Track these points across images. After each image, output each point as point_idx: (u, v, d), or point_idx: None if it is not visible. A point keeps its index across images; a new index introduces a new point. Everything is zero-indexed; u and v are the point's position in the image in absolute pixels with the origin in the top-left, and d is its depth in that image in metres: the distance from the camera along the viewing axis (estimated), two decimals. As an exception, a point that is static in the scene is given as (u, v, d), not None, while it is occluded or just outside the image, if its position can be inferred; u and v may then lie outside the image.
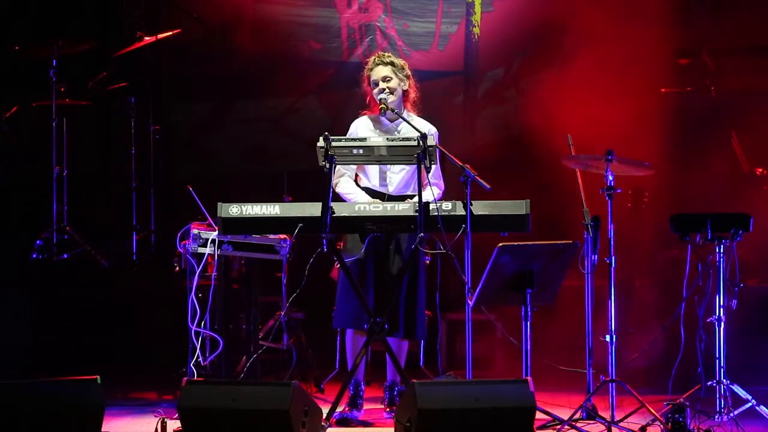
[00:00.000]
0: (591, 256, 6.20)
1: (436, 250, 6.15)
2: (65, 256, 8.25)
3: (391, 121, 6.63)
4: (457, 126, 9.29)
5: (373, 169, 6.61)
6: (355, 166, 6.61)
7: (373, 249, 6.46)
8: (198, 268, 6.72)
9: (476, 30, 9.37)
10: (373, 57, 6.69)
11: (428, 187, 6.18)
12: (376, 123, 6.66)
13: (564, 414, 6.14)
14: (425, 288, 6.60)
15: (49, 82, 8.43)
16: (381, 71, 6.60)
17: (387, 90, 6.55)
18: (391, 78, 6.59)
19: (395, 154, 6.15)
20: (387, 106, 6.47)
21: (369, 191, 6.59)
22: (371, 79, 6.61)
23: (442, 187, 6.54)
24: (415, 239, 6.05)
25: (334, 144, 6.06)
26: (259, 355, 6.92)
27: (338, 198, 6.53)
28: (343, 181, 6.60)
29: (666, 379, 6.52)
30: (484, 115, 9.41)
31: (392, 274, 6.47)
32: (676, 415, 5.80)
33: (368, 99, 6.68)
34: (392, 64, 6.62)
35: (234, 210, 6.13)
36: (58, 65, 8.44)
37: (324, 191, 6.03)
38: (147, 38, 8.69)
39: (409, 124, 6.40)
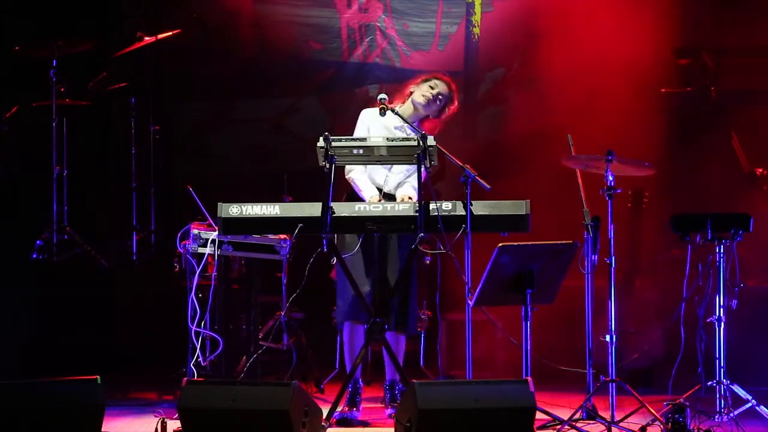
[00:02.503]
0: (591, 256, 6.20)
1: (436, 250, 6.16)
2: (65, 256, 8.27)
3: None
4: (457, 126, 9.28)
5: (374, 168, 6.61)
6: None
7: (369, 246, 6.45)
8: (198, 268, 6.72)
9: (476, 30, 9.36)
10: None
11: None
12: (393, 118, 6.64)
13: (564, 414, 6.14)
14: (418, 285, 6.58)
15: (49, 82, 8.43)
16: (445, 89, 6.64)
17: (433, 97, 6.58)
18: (442, 100, 6.61)
19: (395, 154, 6.16)
20: (387, 107, 6.47)
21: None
22: (435, 81, 6.63)
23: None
24: (415, 239, 6.05)
25: (334, 144, 6.06)
26: (259, 355, 6.92)
27: (340, 197, 6.53)
28: (358, 169, 6.59)
29: (666, 379, 6.52)
30: (484, 115, 9.41)
31: (390, 272, 6.47)
32: (676, 415, 5.80)
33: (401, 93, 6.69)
34: (451, 100, 6.66)
35: (234, 210, 6.13)
36: (58, 65, 8.44)
37: (324, 191, 6.03)
38: (147, 38, 8.68)
39: (407, 122, 6.40)
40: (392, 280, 6.42)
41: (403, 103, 6.64)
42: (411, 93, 6.65)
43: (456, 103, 6.71)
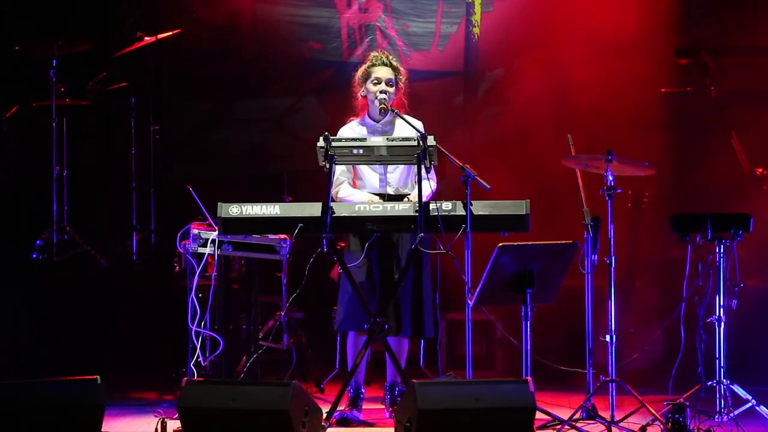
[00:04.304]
0: (591, 256, 6.20)
1: (436, 250, 6.16)
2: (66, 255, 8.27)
3: (377, 122, 6.60)
4: (457, 126, 9.29)
5: (370, 174, 6.60)
6: (351, 174, 6.60)
7: (375, 252, 6.44)
8: (198, 268, 6.72)
9: (476, 30, 9.37)
10: (377, 54, 6.64)
11: (426, 180, 6.17)
12: (363, 127, 6.63)
13: (564, 414, 6.14)
14: (430, 286, 6.59)
15: (49, 82, 8.43)
16: (386, 72, 6.56)
17: (388, 92, 6.52)
18: (393, 82, 6.57)
19: (395, 154, 6.16)
20: (387, 107, 6.47)
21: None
22: (374, 75, 6.55)
23: (436, 181, 6.48)
24: (416, 239, 6.04)
25: (334, 144, 6.06)
26: (259, 355, 6.92)
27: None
28: (343, 188, 6.59)
29: (666, 379, 6.53)
30: (484, 115, 9.41)
31: (394, 275, 6.46)
32: (676, 415, 5.80)
33: (358, 102, 6.64)
34: (397, 69, 6.60)
35: (234, 210, 6.13)
36: (58, 65, 8.44)
37: (324, 191, 6.03)
38: (147, 38, 8.69)
39: (408, 123, 6.39)
40: (397, 283, 6.40)
41: (369, 108, 6.60)
42: (365, 96, 6.59)
43: (401, 68, 6.64)
